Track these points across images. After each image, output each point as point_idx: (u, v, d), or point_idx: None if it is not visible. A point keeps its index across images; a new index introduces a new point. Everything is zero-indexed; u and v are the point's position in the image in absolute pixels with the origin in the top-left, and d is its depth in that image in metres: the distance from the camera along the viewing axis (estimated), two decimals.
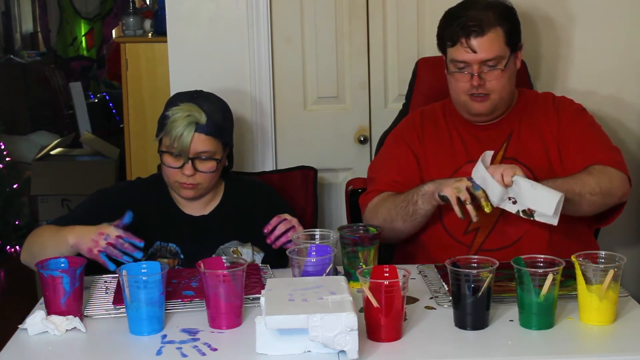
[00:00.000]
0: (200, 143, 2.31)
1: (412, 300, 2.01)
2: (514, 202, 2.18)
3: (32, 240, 2.28)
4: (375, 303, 1.77)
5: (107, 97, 7.14)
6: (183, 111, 2.31)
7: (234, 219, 2.44)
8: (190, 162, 2.31)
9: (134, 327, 1.87)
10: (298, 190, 2.81)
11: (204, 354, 1.76)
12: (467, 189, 2.18)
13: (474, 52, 2.33)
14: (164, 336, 1.85)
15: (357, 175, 2.97)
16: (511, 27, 2.38)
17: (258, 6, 3.00)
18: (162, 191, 2.44)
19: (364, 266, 2.04)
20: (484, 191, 2.17)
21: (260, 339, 1.74)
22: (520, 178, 2.15)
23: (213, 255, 2.34)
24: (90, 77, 8.06)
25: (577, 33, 3.05)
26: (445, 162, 2.44)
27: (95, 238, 2.13)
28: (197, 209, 2.43)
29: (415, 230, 2.40)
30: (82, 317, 1.94)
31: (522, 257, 1.88)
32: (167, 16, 3.02)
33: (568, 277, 1.97)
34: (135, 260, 2.11)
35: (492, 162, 2.36)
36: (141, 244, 2.14)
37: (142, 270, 1.90)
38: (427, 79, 2.85)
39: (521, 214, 2.18)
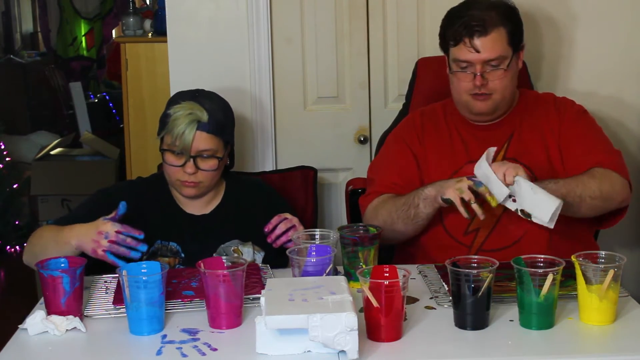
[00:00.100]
0: (202, 141, 2.31)
1: (412, 300, 2.01)
2: (514, 200, 2.18)
3: (34, 242, 2.28)
4: (375, 303, 1.77)
5: (107, 97, 7.14)
6: (185, 109, 2.32)
7: (235, 218, 2.44)
8: (192, 160, 2.32)
9: (134, 327, 1.87)
10: (298, 190, 2.81)
11: (204, 354, 1.76)
12: (470, 188, 2.18)
13: (477, 51, 2.33)
14: (164, 336, 1.85)
15: (357, 175, 2.97)
16: (514, 27, 2.38)
17: (258, 6, 3.00)
18: (163, 190, 2.44)
19: (364, 266, 2.04)
20: (487, 187, 2.18)
21: (260, 339, 1.74)
22: (522, 179, 2.15)
23: (214, 254, 2.36)
24: (90, 77, 8.07)
25: (578, 33, 3.05)
26: (446, 163, 2.44)
27: (95, 238, 2.14)
28: (198, 208, 2.43)
29: (416, 232, 2.40)
30: (82, 317, 1.94)
31: (522, 257, 1.88)
32: (167, 16, 3.02)
33: (568, 277, 1.97)
34: (143, 253, 2.14)
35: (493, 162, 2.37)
36: (141, 236, 2.15)
37: (142, 270, 1.90)
38: (427, 79, 2.85)
39: (519, 213, 2.18)
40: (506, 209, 2.31)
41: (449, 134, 2.49)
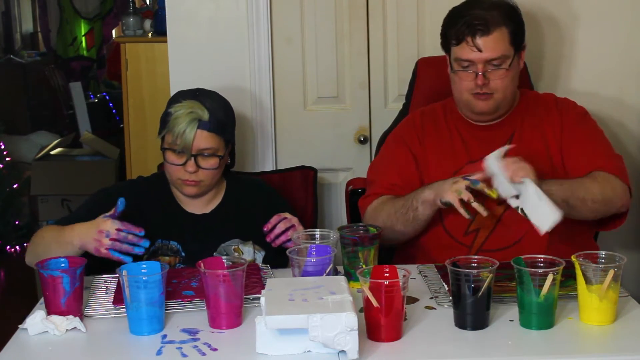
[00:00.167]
0: (203, 140, 2.32)
1: (412, 300, 2.01)
2: (517, 197, 2.17)
3: (36, 242, 2.28)
4: (375, 303, 1.77)
5: (107, 97, 7.14)
6: (185, 108, 2.32)
7: (235, 218, 2.44)
8: (192, 158, 2.32)
9: (134, 327, 1.87)
10: (298, 190, 2.81)
11: (204, 354, 1.76)
12: (467, 187, 2.18)
13: (480, 51, 2.33)
14: (164, 336, 1.85)
15: (357, 175, 2.97)
16: (516, 27, 2.38)
17: (258, 6, 3.00)
18: (163, 189, 2.44)
19: (364, 266, 2.04)
20: (484, 184, 2.18)
21: (260, 339, 1.74)
22: (529, 182, 2.14)
23: (214, 253, 2.36)
24: (90, 77, 8.06)
25: (580, 33, 3.04)
26: (446, 163, 2.44)
27: (96, 237, 2.14)
28: (198, 207, 2.44)
29: (416, 233, 2.40)
30: (82, 317, 1.94)
31: (522, 257, 1.88)
32: (167, 16, 3.02)
33: (568, 277, 1.97)
34: (146, 249, 2.15)
35: None
36: (142, 233, 2.16)
37: (142, 270, 1.90)
38: (427, 79, 2.85)
39: (519, 211, 2.17)
40: (506, 210, 2.31)
41: (449, 134, 2.49)
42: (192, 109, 2.32)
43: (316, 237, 2.14)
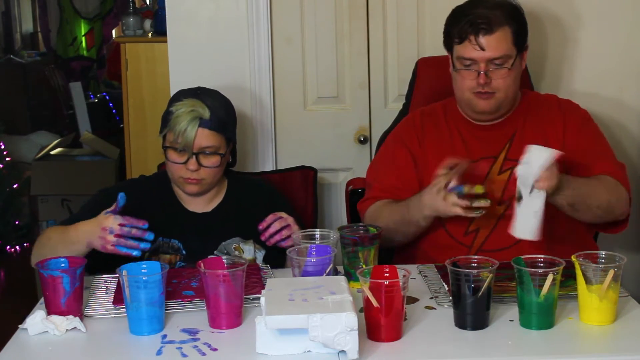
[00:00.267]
0: (204, 138, 2.32)
1: (412, 300, 2.01)
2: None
3: (42, 244, 2.28)
4: (375, 303, 1.77)
5: (107, 97, 7.14)
6: (186, 106, 2.33)
7: (236, 217, 2.44)
8: (194, 157, 2.32)
9: (134, 327, 1.87)
10: (298, 190, 2.81)
11: (204, 354, 1.76)
12: (460, 200, 2.18)
13: (482, 49, 2.33)
14: (164, 336, 1.85)
15: (357, 175, 2.97)
16: (519, 27, 2.38)
17: (258, 6, 3.00)
18: (165, 188, 2.45)
19: (364, 266, 2.04)
20: (467, 185, 2.17)
21: (260, 339, 1.74)
22: (543, 195, 2.12)
23: (215, 252, 2.37)
24: (90, 77, 8.06)
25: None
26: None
27: (101, 235, 2.15)
28: (200, 206, 2.44)
29: (415, 238, 2.41)
30: (82, 317, 1.94)
31: (522, 257, 1.88)
32: (167, 16, 3.03)
33: (568, 277, 1.97)
34: (151, 242, 2.16)
35: (494, 163, 2.37)
36: (145, 226, 2.16)
37: (142, 270, 1.90)
38: (428, 79, 2.85)
39: (516, 196, 2.16)
40: (506, 210, 2.32)
41: (449, 134, 2.49)
42: (194, 108, 2.32)
43: (316, 237, 2.13)
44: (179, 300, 2.01)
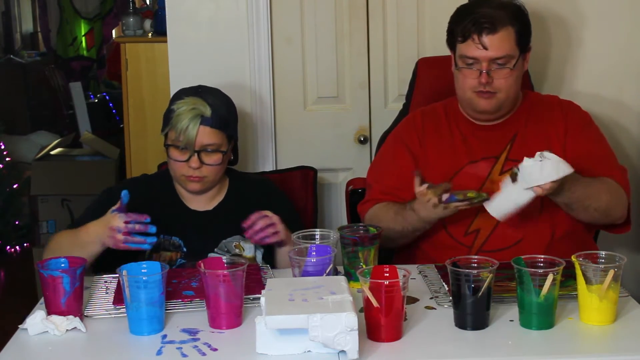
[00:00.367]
0: (206, 135, 2.33)
1: (412, 300, 2.01)
2: (515, 175, 2.16)
3: (53, 249, 2.28)
4: (375, 303, 1.77)
5: (107, 97, 7.13)
6: (188, 104, 2.34)
7: (237, 215, 2.43)
8: (196, 154, 2.33)
9: (134, 327, 1.87)
10: (298, 190, 2.81)
11: (204, 354, 1.76)
12: (460, 202, 2.19)
13: (485, 48, 2.33)
14: (164, 336, 1.85)
15: (357, 175, 2.97)
16: (522, 27, 2.38)
17: (258, 6, 3.00)
18: (167, 186, 2.46)
19: (364, 266, 2.04)
20: (459, 193, 2.19)
21: (260, 339, 1.74)
22: (532, 191, 2.13)
23: (215, 249, 2.38)
24: (90, 77, 8.06)
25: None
26: (447, 163, 2.44)
27: (110, 235, 2.17)
28: (201, 204, 2.45)
29: (416, 239, 2.42)
30: (82, 317, 1.94)
31: (522, 257, 1.88)
32: (167, 16, 3.03)
33: (568, 277, 1.97)
34: (156, 235, 2.18)
35: (495, 164, 2.37)
36: (147, 220, 2.17)
37: (142, 270, 1.90)
38: (428, 79, 2.85)
39: (511, 172, 2.17)
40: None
41: (450, 134, 2.49)
42: (195, 106, 2.33)
43: (316, 237, 2.13)
44: (179, 300, 2.01)
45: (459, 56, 2.39)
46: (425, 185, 2.20)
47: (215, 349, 1.78)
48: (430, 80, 2.83)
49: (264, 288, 1.83)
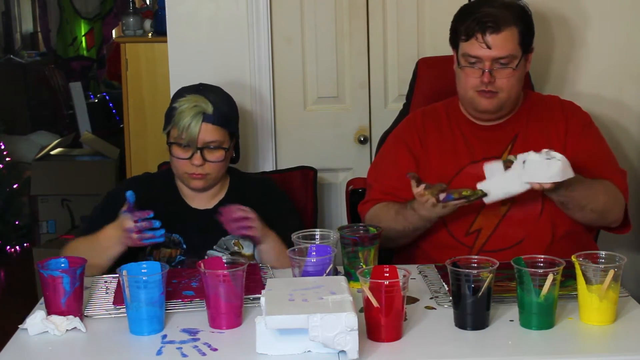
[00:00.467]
0: (208, 133, 2.34)
1: (412, 300, 2.01)
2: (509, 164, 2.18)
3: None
4: (375, 303, 1.77)
5: (107, 97, 7.14)
6: (190, 102, 2.35)
7: None
8: (199, 152, 2.34)
9: (134, 327, 1.87)
10: (298, 190, 2.81)
11: (204, 354, 1.76)
12: (458, 201, 2.19)
13: (488, 48, 2.33)
14: (164, 336, 1.85)
15: (357, 175, 2.97)
16: (526, 28, 2.38)
17: (258, 6, 3.00)
18: (168, 184, 2.47)
19: (364, 266, 2.04)
20: (455, 191, 2.19)
21: (260, 339, 1.74)
22: (527, 186, 2.15)
23: (215, 247, 2.39)
24: (90, 77, 8.06)
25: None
26: (448, 163, 2.43)
27: (125, 236, 2.23)
28: (202, 202, 2.46)
29: (417, 238, 2.42)
30: (82, 317, 1.94)
31: (522, 257, 1.88)
32: (167, 16, 3.03)
33: (568, 277, 1.97)
34: (162, 228, 2.22)
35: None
36: (151, 215, 2.21)
37: (142, 270, 1.90)
38: (428, 79, 2.85)
39: (512, 158, 2.19)
40: (508, 210, 2.33)
41: (451, 134, 2.48)
42: (197, 103, 2.34)
43: (316, 237, 2.13)
44: (179, 300, 2.01)
45: (461, 55, 2.39)
46: (422, 186, 2.20)
47: (215, 349, 1.78)
48: (431, 80, 2.83)
49: (264, 288, 1.83)
